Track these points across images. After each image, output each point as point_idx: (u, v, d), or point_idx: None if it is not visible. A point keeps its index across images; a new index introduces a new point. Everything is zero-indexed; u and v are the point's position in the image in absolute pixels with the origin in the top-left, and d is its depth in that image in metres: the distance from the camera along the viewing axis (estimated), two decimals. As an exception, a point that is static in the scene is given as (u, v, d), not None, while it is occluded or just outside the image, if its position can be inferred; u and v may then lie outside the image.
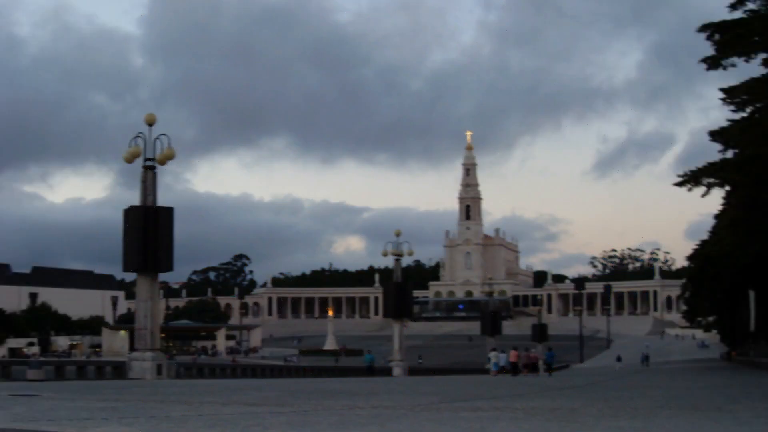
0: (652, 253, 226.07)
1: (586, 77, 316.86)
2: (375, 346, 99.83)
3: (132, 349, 45.98)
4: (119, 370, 36.23)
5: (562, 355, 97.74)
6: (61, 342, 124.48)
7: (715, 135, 45.76)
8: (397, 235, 55.59)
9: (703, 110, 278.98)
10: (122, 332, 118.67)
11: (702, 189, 43.01)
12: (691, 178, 42.64)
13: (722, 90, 44.19)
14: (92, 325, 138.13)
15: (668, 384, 29.20)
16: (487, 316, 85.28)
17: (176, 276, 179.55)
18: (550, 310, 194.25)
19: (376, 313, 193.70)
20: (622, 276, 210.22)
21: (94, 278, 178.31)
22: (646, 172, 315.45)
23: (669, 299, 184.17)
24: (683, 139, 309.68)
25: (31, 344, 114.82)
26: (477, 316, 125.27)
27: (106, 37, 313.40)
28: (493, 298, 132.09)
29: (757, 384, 27.96)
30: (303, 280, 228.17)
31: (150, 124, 31.22)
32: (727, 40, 39.68)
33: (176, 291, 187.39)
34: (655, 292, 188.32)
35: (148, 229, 30.58)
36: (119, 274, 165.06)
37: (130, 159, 31.01)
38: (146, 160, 31.14)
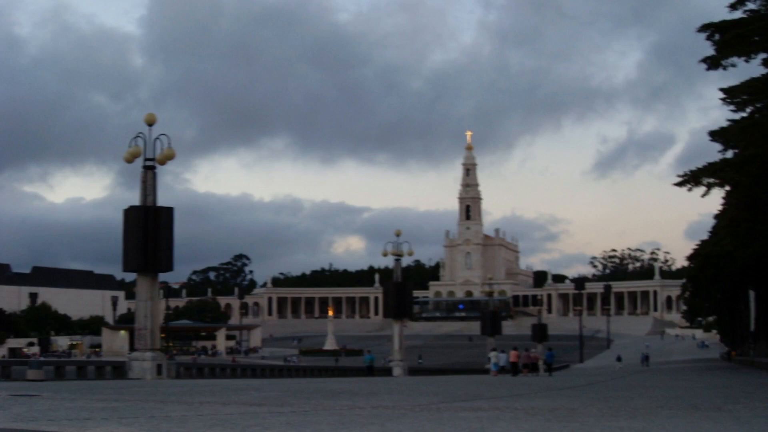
0: (652, 253, 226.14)
1: (586, 77, 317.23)
2: (375, 346, 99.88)
3: (132, 349, 45.98)
4: (119, 370, 36.23)
5: (562, 355, 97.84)
6: (61, 342, 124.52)
7: (715, 135, 45.78)
8: (397, 235, 55.66)
9: (703, 110, 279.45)
10: (122, 332, 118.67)
11: (702, 189, 43.00)
12: (691, 178, 42.63)
13: (722, 90, 44.21)
14: (92, 325, 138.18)
15: (668, 384, 29.20)
16: (487, 316, 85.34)
17: (176, 276, 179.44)
18: (550, 310, 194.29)
19: (376, 313, 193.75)
20: (622, 276, 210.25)
21: (94, 278, 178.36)
22: (646, 172, 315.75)
23: (669, 299, 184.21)
24: (683, 139, 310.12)
25: (31, 344, 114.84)
26: (477, 316, 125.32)
27: (106, 37, 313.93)
28: (493, 298, 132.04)
29: (757, 384, 27.96)
30: (303, 280, 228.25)
31: (150, 124, 31.24)
32: (727, 40, 39.70)
33: (176, 291, 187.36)
34: (655, 292, 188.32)
35: (148, 229, 30.60)
36: (119, 274, 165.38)
37: (130, 159, 31.04)
38: (146, 160, 31.16)
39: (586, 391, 24.38)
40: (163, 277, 35.51)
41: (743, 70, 42.36)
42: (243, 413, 12.28)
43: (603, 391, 23.63)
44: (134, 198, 32.12)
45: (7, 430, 9.34)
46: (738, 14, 40.73)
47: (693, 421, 12.07)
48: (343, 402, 15.76)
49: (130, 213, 31.19)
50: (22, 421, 10.18)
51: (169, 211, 31.48)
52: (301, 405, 14.38)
